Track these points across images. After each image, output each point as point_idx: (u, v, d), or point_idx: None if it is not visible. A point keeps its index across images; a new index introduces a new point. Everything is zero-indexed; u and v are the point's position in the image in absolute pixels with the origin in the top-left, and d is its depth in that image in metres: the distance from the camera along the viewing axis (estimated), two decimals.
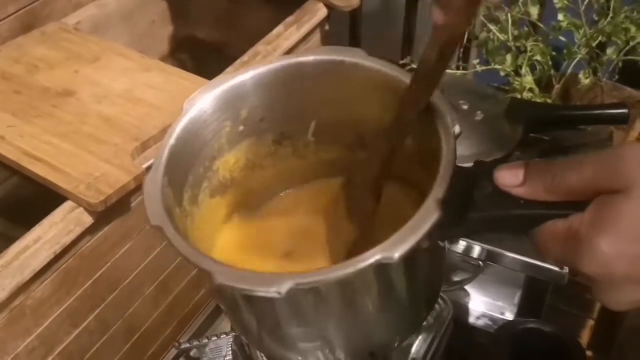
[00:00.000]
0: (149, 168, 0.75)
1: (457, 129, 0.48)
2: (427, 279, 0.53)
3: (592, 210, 0.41)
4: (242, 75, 0.59)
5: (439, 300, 0.72)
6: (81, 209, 0.71)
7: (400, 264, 0.44)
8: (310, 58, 0.58)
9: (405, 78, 0.54)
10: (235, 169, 0.62)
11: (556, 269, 0.71)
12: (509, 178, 0.45)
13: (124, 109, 0.84)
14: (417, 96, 0.50)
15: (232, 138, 0.61)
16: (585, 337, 0.92)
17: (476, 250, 0.74)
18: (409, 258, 0.44)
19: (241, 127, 0.61)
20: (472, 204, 0.46)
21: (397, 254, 0.42)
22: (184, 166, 0.56)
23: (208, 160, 0.59)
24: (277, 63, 0.59)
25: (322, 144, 0.64)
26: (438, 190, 0.45)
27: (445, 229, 0.46)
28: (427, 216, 0.44)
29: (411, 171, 0.55)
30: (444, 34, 0.47)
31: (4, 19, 0.94)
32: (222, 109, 0.59)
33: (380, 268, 0.43)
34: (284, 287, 0.43)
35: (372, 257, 0.43)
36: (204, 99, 0.58)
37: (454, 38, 0.48)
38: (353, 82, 0.58)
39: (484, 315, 0.76)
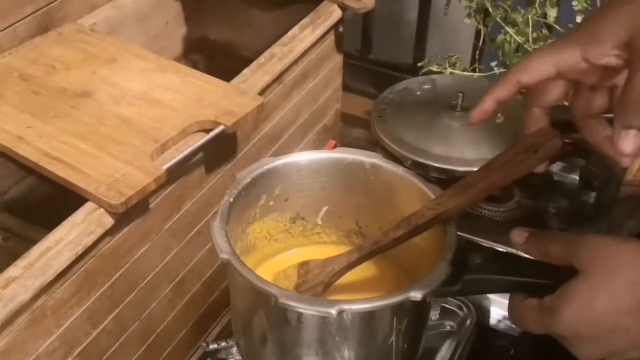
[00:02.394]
0: (169, 169, 0.76)
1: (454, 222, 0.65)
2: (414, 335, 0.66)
3: (560, 290, 0.56)
4: (291, 158, 0.70)
5: (462, 307, 0.74)
6: (102, 210, 0.71)
7: (417, 304, 0.58)
8: (339, 155, 0.70)
9: (415, 180, 0.68)
10: (258, 237, 0.72)
11: None
12: (517, 237, 0.63)
13: (142, 110, 0.84)
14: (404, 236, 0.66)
15: (263, 210, 0.71)
16: None
17: None
18: (422, 302, 0.59)
19: (271, 202, 0.71)
20: (467, 269, 0.62)
21: (420, 294, 0.57)
22: (232, 222, 0.66)
23: (244, 223, 0.69)
24: (312, 155, 0.71)
25: (327, 227, 0.74)
26: (447, 254, 0.61)
27: (446, 287, 0.60)
28: (441, 270, 0.59)
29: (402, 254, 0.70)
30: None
31: (21, 19, 0.94)
32: (264, 183, 0.69)
33: (403, 305, 0.57)
34: (335, 309, 0.54)
35: (402, 294, 0.56)
36: (257, 170, 0.68)
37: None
38: (367, 181, 0.69)
39: (505, 318, 0.76)
